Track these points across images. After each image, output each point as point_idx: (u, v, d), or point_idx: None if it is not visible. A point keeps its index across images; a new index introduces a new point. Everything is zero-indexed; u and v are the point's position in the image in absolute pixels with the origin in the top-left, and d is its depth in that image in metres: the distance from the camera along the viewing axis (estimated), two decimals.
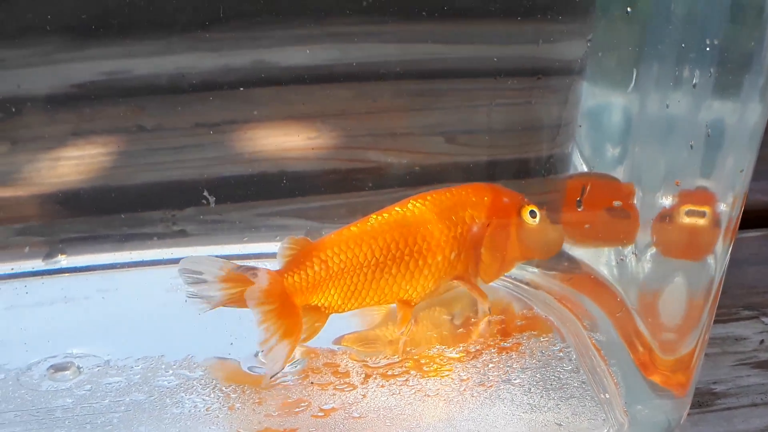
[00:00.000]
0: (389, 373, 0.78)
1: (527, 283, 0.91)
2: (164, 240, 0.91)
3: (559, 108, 0.90)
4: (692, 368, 0.75)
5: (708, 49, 0.70)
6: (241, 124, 0.90)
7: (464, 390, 0.76)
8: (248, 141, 0.91)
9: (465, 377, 0.78)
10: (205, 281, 0.73)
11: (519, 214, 0.82)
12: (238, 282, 0.74)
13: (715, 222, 0.72)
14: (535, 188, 0.90)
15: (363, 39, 0.89)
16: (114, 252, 0.91)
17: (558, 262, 0.89)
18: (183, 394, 0.75)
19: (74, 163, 0.88)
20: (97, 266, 0.91)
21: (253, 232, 0.92)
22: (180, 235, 0.91)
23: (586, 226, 0.85)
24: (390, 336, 0.83)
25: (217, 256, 0.75)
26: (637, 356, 0.78)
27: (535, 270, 0.91)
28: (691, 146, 0.72)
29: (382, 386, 0.76)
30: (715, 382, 0.85)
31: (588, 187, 0.84)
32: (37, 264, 0.89)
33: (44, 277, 0.89)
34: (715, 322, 0.84)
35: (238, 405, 0.74)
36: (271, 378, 0.76)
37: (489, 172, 0.93)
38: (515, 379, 0.77)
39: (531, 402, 0.75)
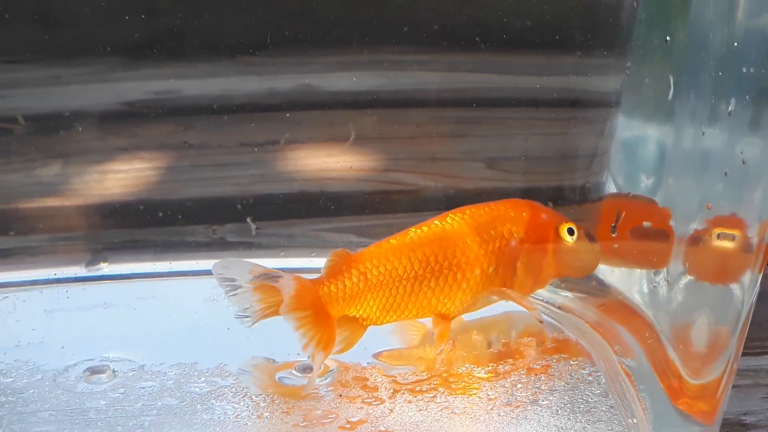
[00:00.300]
0: (417, 388, 0.78)
1: (559, 307, 0.91)
2: (203, 251, 0.93)
3: (595, 138, 0.91)
4: (720, 397, 0.75)
5: (744, 77, 0.70)
6: (284, 144, 0.92)
7: (491, 409, 0.77)
8: (290, 161, 0.93)
9: (493, 396, 0.78)
10: (239, 287, 0.74)
11: (557, 231, 0.82)
12: (271, 291, 0.75)
13: (745, 247, 0.72)
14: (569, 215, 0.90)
15: (407, 67, 0.91)
16: (154, 261, 0.93)
17: (590, 287, 0.89)
18: (213, 401, 0.76)
19: (121, 177, 0.91)
20: (137, 274, 0.93)
21: (290, 247, 0.93)
22: (219, 248, 0.93)
23: (615, 246, 0.85)
24: (426, 356, 0.83)
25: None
26: (666, 383, 0.78)
27: (568, 294, 0.91)
28: (725, 173, 0.72)
29: (410, 402, 0.77)
30: (745, 413, 0.84)
31: (623, 214, 0.85)
32: (80, 270, 0.92)
33: (86, 283, 0.91)
34: (748, 354, 0.84)
35: (267, 414, 0.75)
36: (309, 386, 0.77)
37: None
38: (543, 401, 0.77)
39: (558, 424, 0.75)
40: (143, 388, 0.77)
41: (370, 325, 0.79)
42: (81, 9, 0.84)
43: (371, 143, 0.94)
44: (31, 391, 0.77)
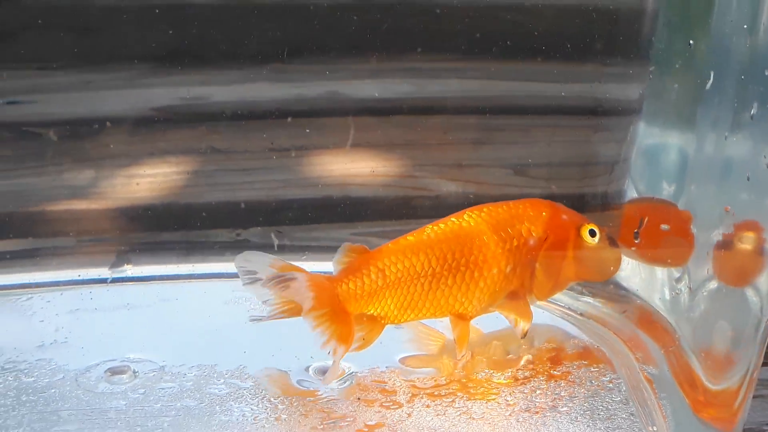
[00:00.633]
0: (436, 393, 0.78)
1: (581, 314, 0.90)
2: (226, 254, 0.93)
3: (617, 145, 0.90)
4: (740, 406, 0.74)
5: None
6: (310, 150, 0.93)
7: (510, 415, 0.76)
8: (316, 166, 0.93)
9: (512, 402, 0.77)
10: (259, 279, 0.74)
11: (578, 232, 0.80)
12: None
13: (764, 252, 0.72)
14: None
15: (435, 75, 0.91)
16: (178, 264, 0.94)
17: (612, 293, 0.88)
18: (232, 403, 0.76)
19: (148, 181, 0.91)
20: (160, 277, 0.93)
21: (313, 250, 0.94)
22: (242, 251, 0.93)
23: (632, 249, 0.84)
24: (446, 364, 0.83)
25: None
26: (686, 391, 0.77)
27: (589, 300, 0.90)
28: (748, 178, 0.72)
29: (428, 406, 0.76)
30: (767, 424, 0.83)
31: (646, 219, 0.84)
32: (104, 272, 0.92)
33: (109, 284, 0.92)
34: None
35: (285, 416, 0.75)
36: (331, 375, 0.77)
37: None
38: (562, 407, 0.77)
39: (577, 431, 0.75)
40: (163, 389, 0.78)
41: (387, 323, 0.78)
42: (112, 17, 0.85)
43: (397, 149, 0.94)
44: (53, 390, 0.77)
